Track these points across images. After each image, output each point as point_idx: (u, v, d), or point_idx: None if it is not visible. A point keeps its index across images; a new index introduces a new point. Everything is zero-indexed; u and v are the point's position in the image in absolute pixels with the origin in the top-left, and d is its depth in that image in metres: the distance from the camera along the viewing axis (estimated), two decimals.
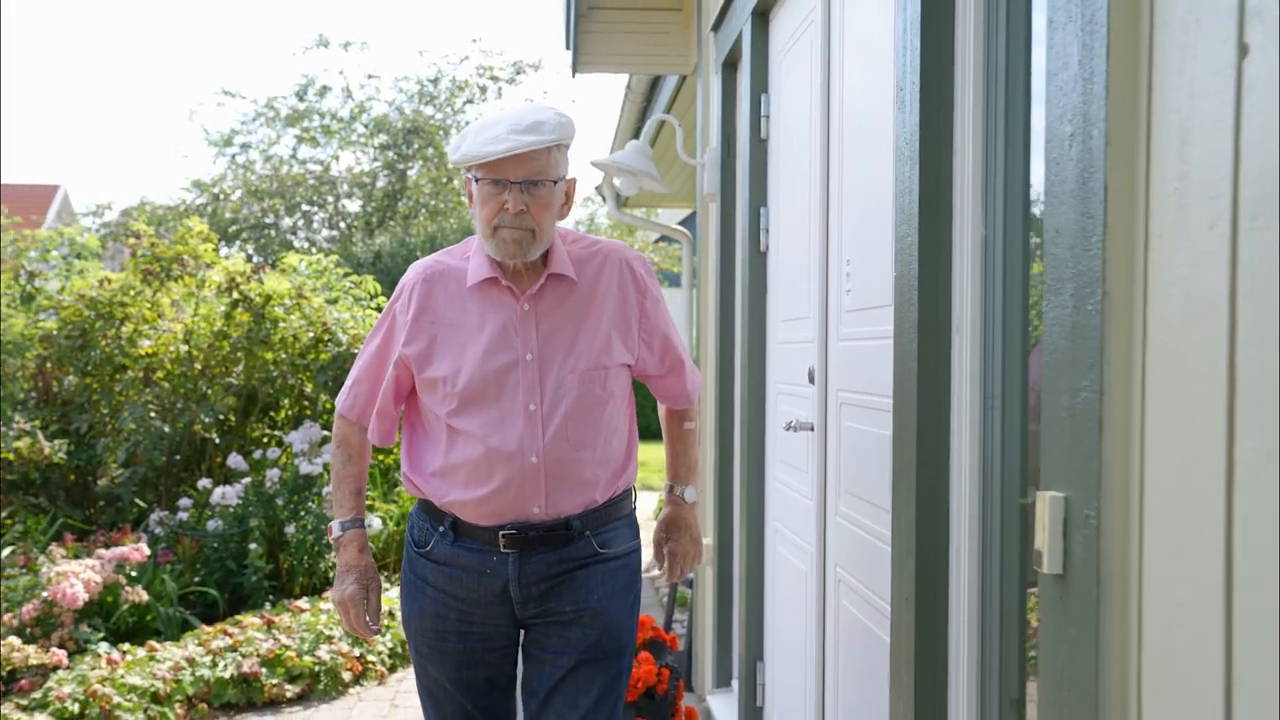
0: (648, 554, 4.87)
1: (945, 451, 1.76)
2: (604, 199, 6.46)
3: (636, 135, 6.62)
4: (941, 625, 1.78)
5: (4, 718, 3.99)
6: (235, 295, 6.55)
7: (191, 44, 61.48)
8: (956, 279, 1.75)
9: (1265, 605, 0.95)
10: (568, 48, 5.27)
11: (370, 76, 16.21)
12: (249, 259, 9.47)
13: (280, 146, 16.25)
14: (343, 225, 16.19)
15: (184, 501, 6.15)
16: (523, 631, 2.25)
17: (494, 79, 15.82)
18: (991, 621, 1.71)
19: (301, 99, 15.92)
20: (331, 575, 5.88)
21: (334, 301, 7.26)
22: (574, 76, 5.46)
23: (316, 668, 4.82)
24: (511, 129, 2.02)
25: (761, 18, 3.35)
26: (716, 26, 3.97)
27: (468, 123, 16.26)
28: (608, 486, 2.20)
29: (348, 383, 2.34)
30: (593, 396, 2.14)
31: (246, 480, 6.07)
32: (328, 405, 6.79)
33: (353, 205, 15.97)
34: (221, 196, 15.68)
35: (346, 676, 4.88)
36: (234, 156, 16.67)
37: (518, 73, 15.65)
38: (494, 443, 2.10)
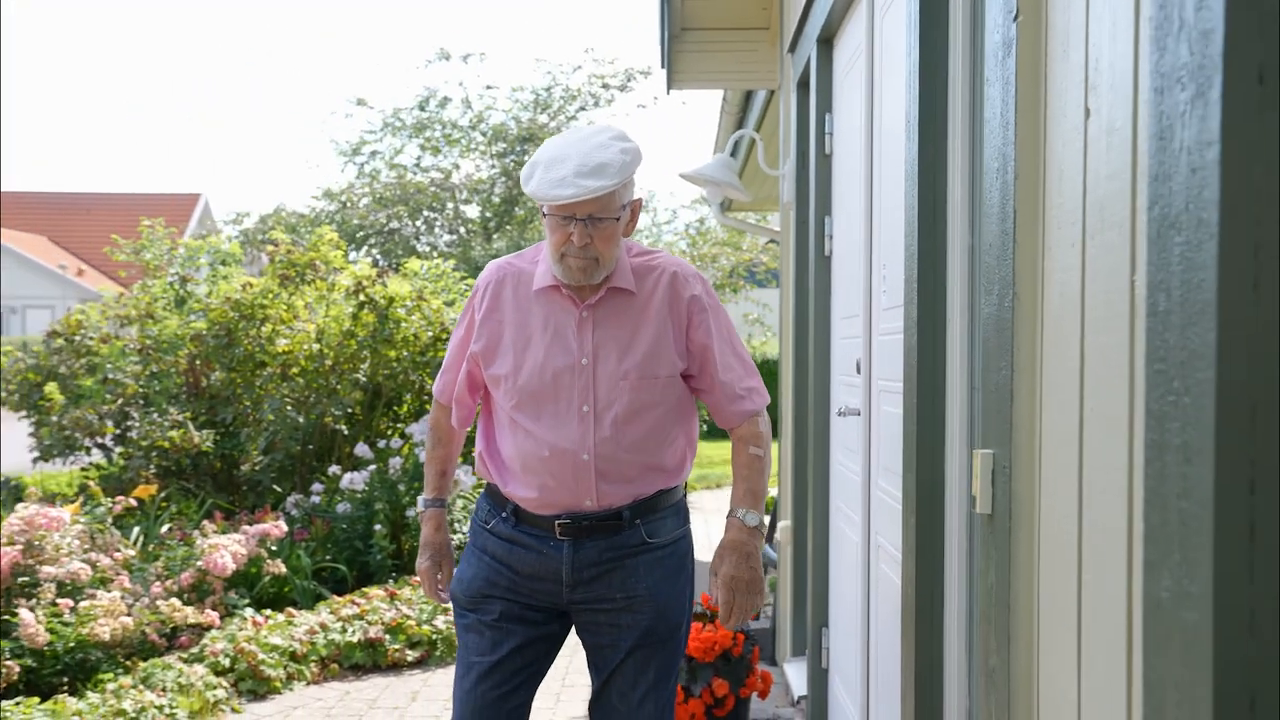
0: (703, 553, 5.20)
1: (940, 423, 2.10)
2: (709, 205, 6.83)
3: (741, 118, 7.00)
4: (939, 569, 2.12)
5: (169, 666, 4.58)
6: (362, 298, 7.14)
7: (324, 58, 63.87)
8: (950, 281, 2.09)
9: (1108, 525, 1.29)
10: (663, 66, 5.67)
11: (489, 87, 16.86)
12: (374, 264, 10.12)
13: (404, 155, 17.13)
14: (462, 230, 16.96)
15: (316, 486, 6.76)
16: (573, 618, 2.38)
17: (605, 86, 16.39)
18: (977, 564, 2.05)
19: (424, 109, 16.73)
20: None
21: (451, 303, 7.81)
22: (668, 93, 5.86)
23: (434, 636, 5.33)
24: (577, 172, 2.11)
25: (826, 44, 3.70)
26: (792, 49, 4.32)
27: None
28: (657, 482, 2.32)
29: (441, 369, 2.51)
30: (642, 402, 2.26)
31: (372, 468, 6.62)
32: None
33: (471, 211, 16.72)
34: (349, 204, 16.58)
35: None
36: (361, 165, 17.61)
37: (628, 80, 16.18)
38: (549, 439, 2.24)
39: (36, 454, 7.61)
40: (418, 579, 2.69)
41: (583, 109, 16.47)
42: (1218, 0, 0.89)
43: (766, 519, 5.36)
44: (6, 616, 4.58)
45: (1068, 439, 1.37)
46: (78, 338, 7.88)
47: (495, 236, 16.08)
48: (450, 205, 16.69)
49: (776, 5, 5.00)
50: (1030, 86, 1.49)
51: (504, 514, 2.34)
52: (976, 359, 1.98)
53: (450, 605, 2.40)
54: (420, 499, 2.52)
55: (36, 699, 4.19)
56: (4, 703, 4.12)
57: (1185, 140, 0.94)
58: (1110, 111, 1.23)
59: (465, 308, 2.42)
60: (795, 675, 4.20)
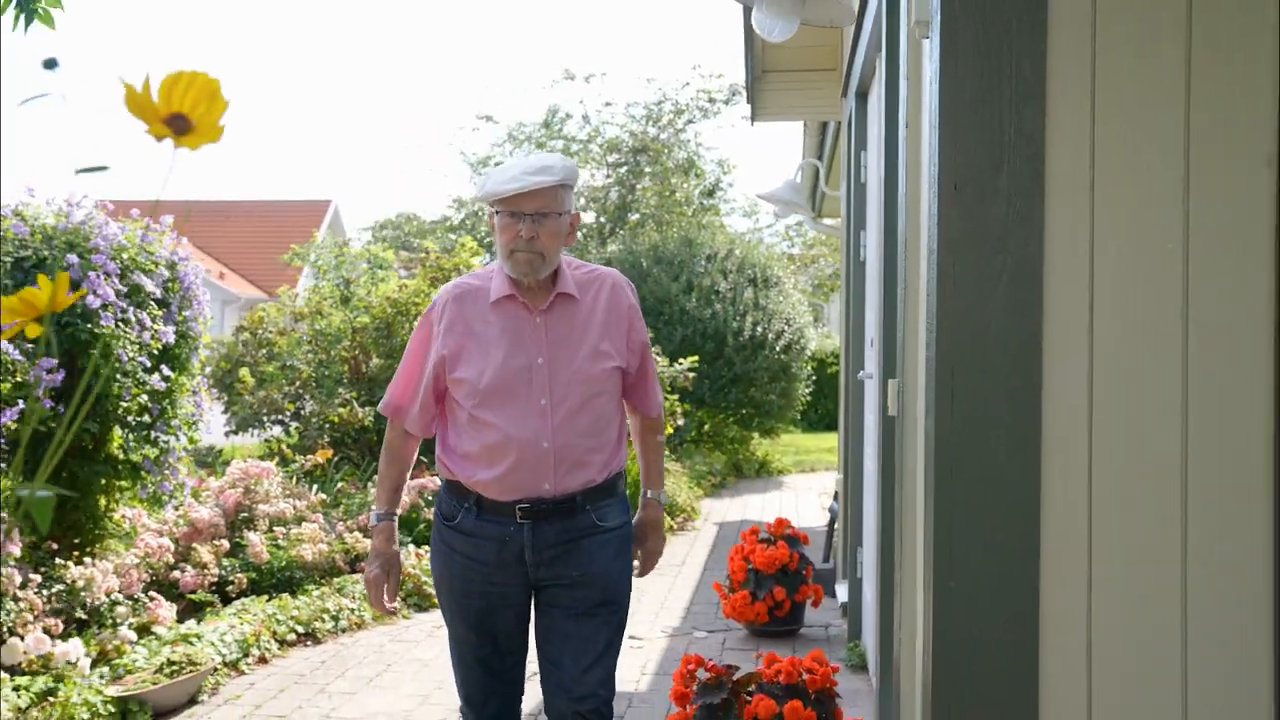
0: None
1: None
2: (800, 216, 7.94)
3: (819, 156, 8.07)
4: (891, 452, 3.21)
5: (355, 582, 5.90)
6: None
7: (451, 73, 66.70)
8: (893, 278, 3.19)
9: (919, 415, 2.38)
10: (748, 101, 6.79)
11: (606, 104, 18.15)
12: None
13: None
14: (580, 235, 18.25)
15: None
16: (535, 594, 2.61)
17: (711, 100, 17.51)
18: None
19: (548, 125, 18.12)
20: None
21: None
22: (752, 125, 6.97)
23: None
24: (524, 171, 2.41)
25: (861, 96, 4.78)
26: (844, 94, 5.41)
27: (688, 140, 18.00)
28: (603, 468, 2.56)
29: (389, 388, 2.68)
30: (591, 393, 2.52)
31: None
32: None
33: (588, 217, 18.01)
34: (480, 212, 18.03)
35: None
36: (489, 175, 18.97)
37: (733, 94, 17.25)
38: (512, 431, 2.47)
39: (230, 428, 9.11)
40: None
41: (690, 121, 17.64)
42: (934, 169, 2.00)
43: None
44: (238, 540, 5.97)
45: (923, 369, 2.47)
46: (260, 331, 9.36)
47: (610, 240, 17.40)
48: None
49: (839, 53, 6.08)
50: (913, 170, 2.59)
51: (466, 505, 2.54)
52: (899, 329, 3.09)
53: (381, 613, 2.66)
54: (373, 513, 2.67)
55: (264, 599, 5.54)
56: (239, 601, 5.46)
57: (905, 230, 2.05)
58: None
59: (421, 324, 2.64)
60: (842, 591, 5.31)
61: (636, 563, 2.72)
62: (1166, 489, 1.96)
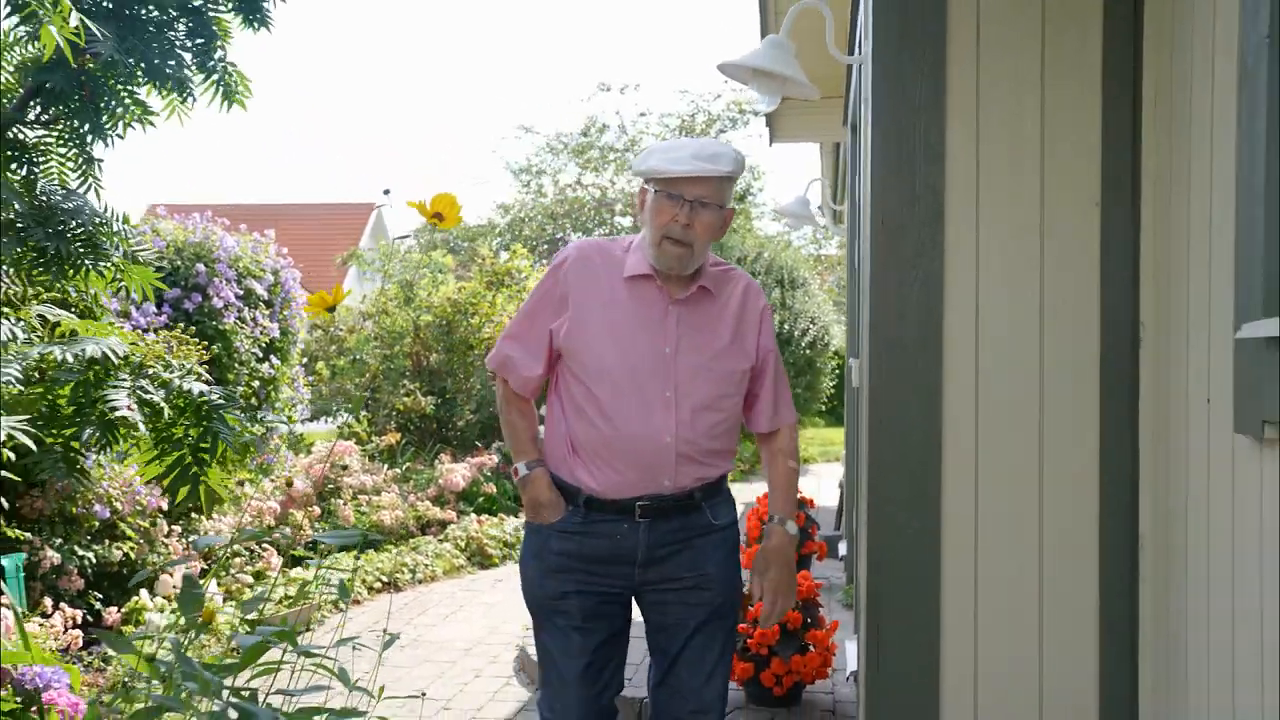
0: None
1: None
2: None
3: (835, 172, 8.97)
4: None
5: (428, 543, 6.88)
6: None
7: (493, 83, 68.13)
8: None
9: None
10: (767, 126, 7.70)
11: (641, 114, 19.12)
12: None
13: (565, 174, 19.55)
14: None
15: None
16: (638, 598, 2.44)
17: (741, 112, 18.43)
18: None
19: (586, 135, 19.12)
20: None
21: None
22: (770, 146, 7.87)
23: None
24: (695, 155, 2.27)
25: (854, 129, 5.69)
26: (844, 123, 6.31)
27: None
28: (720, 466, 2.44)
29: (499, 341, 2.51)
30: (717, 392, 2.38)
31: None
32: None
33: (625, 221, 18.98)
34: (525, 218, 19.07)
35: None
36: (528, 182, 20.10)
37: (756, 113, 18.12)
38: (634, 421, 2.31)
39: (306, 416, 10.15)
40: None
41: (722, 131, 18.54)
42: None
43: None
44: (326, 507, 6.97)
45: (867, 351, 3.37)
46: (331, 329, 10.38)
47: None
48: (608, 217, 19.08)
49: (844, 86, 6.98)
50: (864, 205, 3.50)
51: (573, 507, 2.38)
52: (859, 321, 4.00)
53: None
54: (520, 465, 2.47)
55: (351, 554, 6.53)
56: (330, 557, 6.45)
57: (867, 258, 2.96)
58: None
59: (545, 279, 2.45)
60: (843, 548, 6.23)
61: (752, 588, 2.48)
62: (1029, 428, 2.84)
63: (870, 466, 2.89)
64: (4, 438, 1.90)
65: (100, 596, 5.01)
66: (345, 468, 7.35)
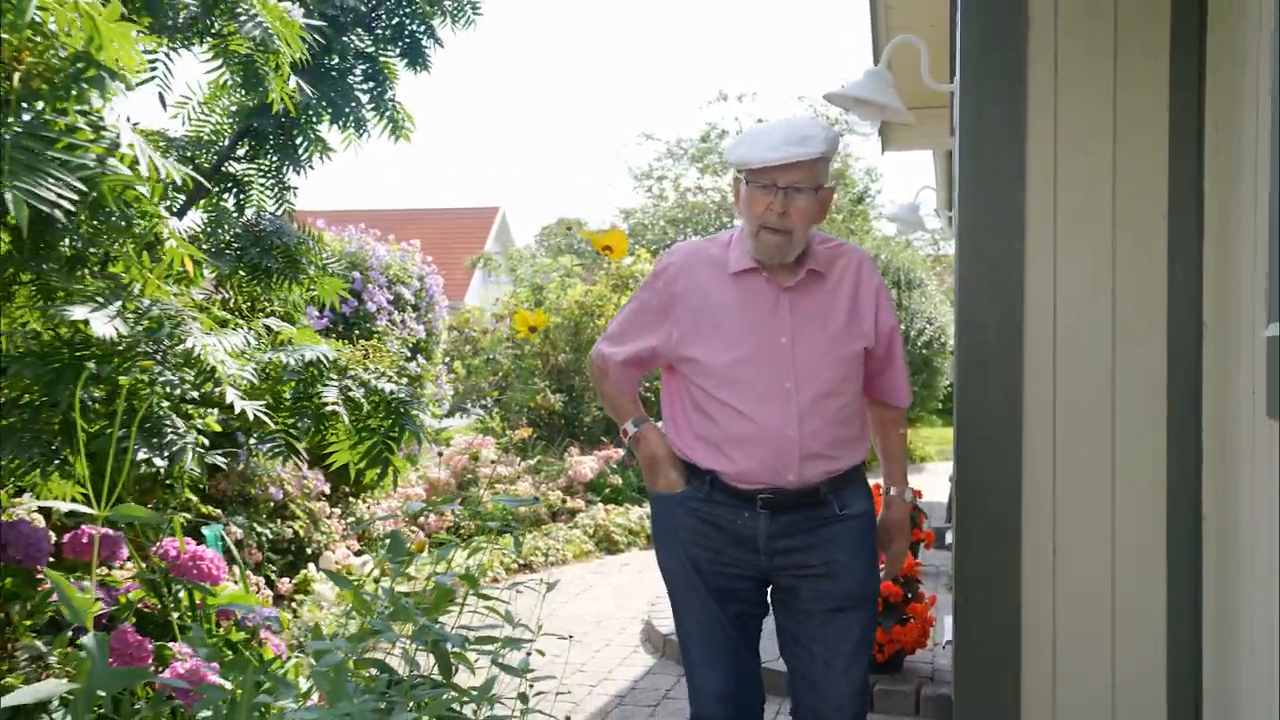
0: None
1: None
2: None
3: (949, 165, 9.25)
4: None
5: (559, 528, 7.43)
6: None
7: (615, 91, 69.35)
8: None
9: None
10: (879, 135, 8.03)
11: (758, 121, 19.52)
12: None
13: (686, 179, 20.04)
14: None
15: None
16: (772, 588, 2.42)
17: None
18: None
19: (705, 141, 19.59)
20: None
21: None
22: (882, 154, 8.20)
23: None
24: (785, 139, 2.19)
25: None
26: (951, 133, 6.61)
27: (846, 153, 19.18)
28: (849, 457, 2.36)
29: (600, 341, 2.50)
30: (839, 377, 2.30)
31: None
32: None
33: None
34: (648, 224, 19.65)
35: None
36: (650, 187, 20.68)
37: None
38: (754, 416, 2.26)
39: (443, 413, 10.84)
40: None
41: (839, 135, 18.79)
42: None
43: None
44: (466, 495, 7.57)
45: (957, 348, 3.73)
46: (465, 330, 11.05)
47: None
48: (727, 220, 19.52)
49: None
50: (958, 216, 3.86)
51: (699, 484, 2.35)
52: None
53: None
54: (628, 425, 2.46)
55: (489, 537, 7.10)
56: (471, 540, 7.03)
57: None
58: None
59: (646, 286, 2.43)
60: (949, 537, 6.55)
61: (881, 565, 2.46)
62: (1103, 419, 3.16)
63: (958, 457, 3.25)
64: (252, 418, 2.44)
65: (274, 568, 5.66)
66: (476, 458, 7.95)
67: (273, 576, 5.59)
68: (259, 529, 5.57)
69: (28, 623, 2.36)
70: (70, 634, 2.40)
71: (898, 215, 6.88)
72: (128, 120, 1.80)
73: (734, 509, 2.33)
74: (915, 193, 7.13)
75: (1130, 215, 3.20)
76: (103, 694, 1.85)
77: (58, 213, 1.68)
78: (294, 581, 5.59)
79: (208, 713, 2.10)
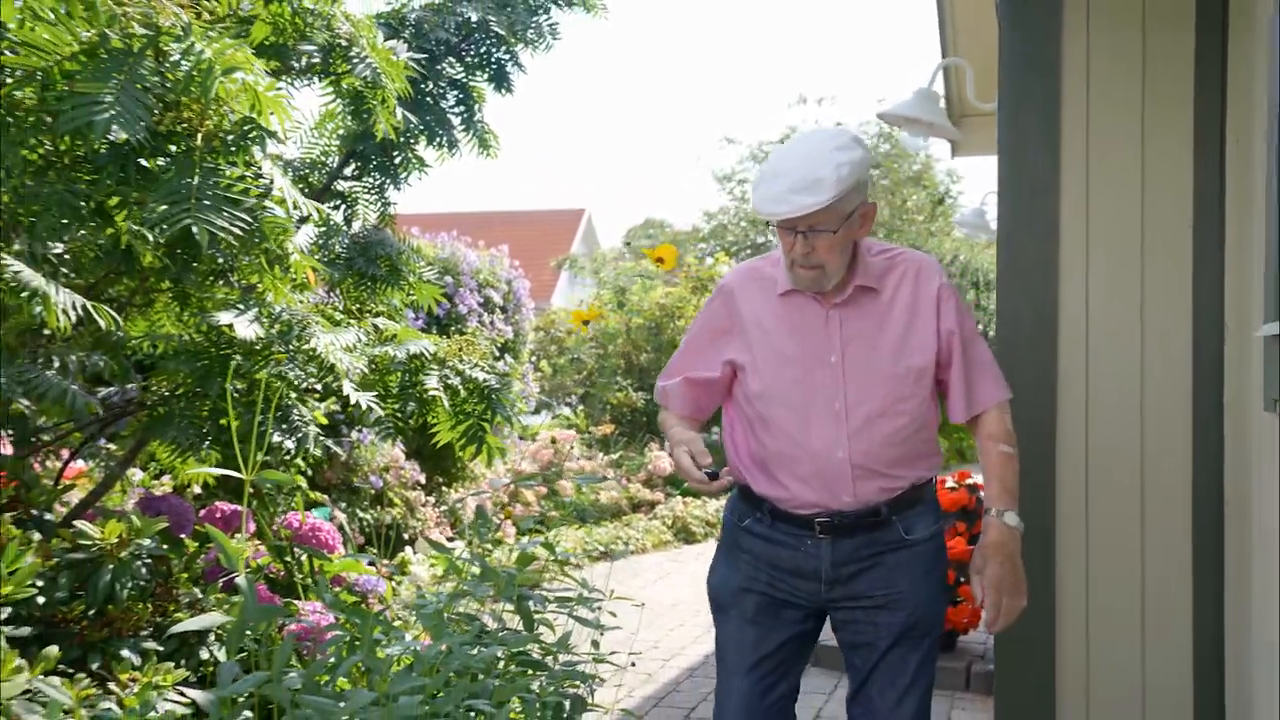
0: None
1: None
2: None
3: None
4: None
5: (640, 520, 7.81)
6: None
7: (697, 96, 69.77)
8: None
9: None
10: (949, 141, 8.25)
11: (837, 124, 19.71)
12: None
13: None
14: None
15: (715, 428, 9.90)
16: (829, 616, 2.33)
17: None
18: None
19: (783, 144, 19.83)
20: None
21: None
22: (952, 158, 8.41)
23: None
24: (792, 188, 2.07)
25: None
26: None
27: (918, 154, 19.27)
28: (912, 475, 2.25)
29: (667, 371, 2.40)
30: (894, 396, 2.20)
31: None
32: None
33: None
34: (729, 225, 19.96)
35: None
36: (731, 190, 20.97)
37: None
38: (802, 438, 2.20)
39: (532, 409, 11.31)
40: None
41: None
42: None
43: None
44: (551, 487, 8.01)
45: (997, 345, 4.01)
46: (551, 330, 11.51)
47: None
48: None
49: None
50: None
51: (759, 514, 2.30)
52: None
53: (706, 485, 2.15)
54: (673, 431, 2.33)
55: (574, 527, 7.52)
56: (555, 529, 7.46)
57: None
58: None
59: (708, 305, 2.40)
60: None
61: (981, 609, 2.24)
62: (1131, 413, 3.41)
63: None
64: (365, 407, 2.85)
65: (374, 551, 6.13)
66: (554, 441, 8.36)
67: (373, 559, 6.06)
68: (361, 514, 6.04)
69: (184, 575, 2.81)
70: (220, 585, 2.84)
71: (964, 220, 7.11)
72: (278, 162, 2.21)
73: (795, 538, 2.26)
74: (981, 197, 7.34)
75: (1157, 224, 3.43)
76: (249, 632, 2.25)
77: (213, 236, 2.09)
78: (393, 563, 6.05)
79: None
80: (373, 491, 6.17)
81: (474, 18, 4.34)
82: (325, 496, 5.82)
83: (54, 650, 2.16)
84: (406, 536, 6.24)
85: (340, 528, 5.57)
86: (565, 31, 4.72)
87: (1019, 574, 2.22)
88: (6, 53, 1.94)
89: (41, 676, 2.10)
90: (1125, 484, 3.36)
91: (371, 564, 5.99)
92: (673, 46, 75.18)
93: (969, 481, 6.68)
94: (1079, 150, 3.53)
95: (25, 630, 2.27)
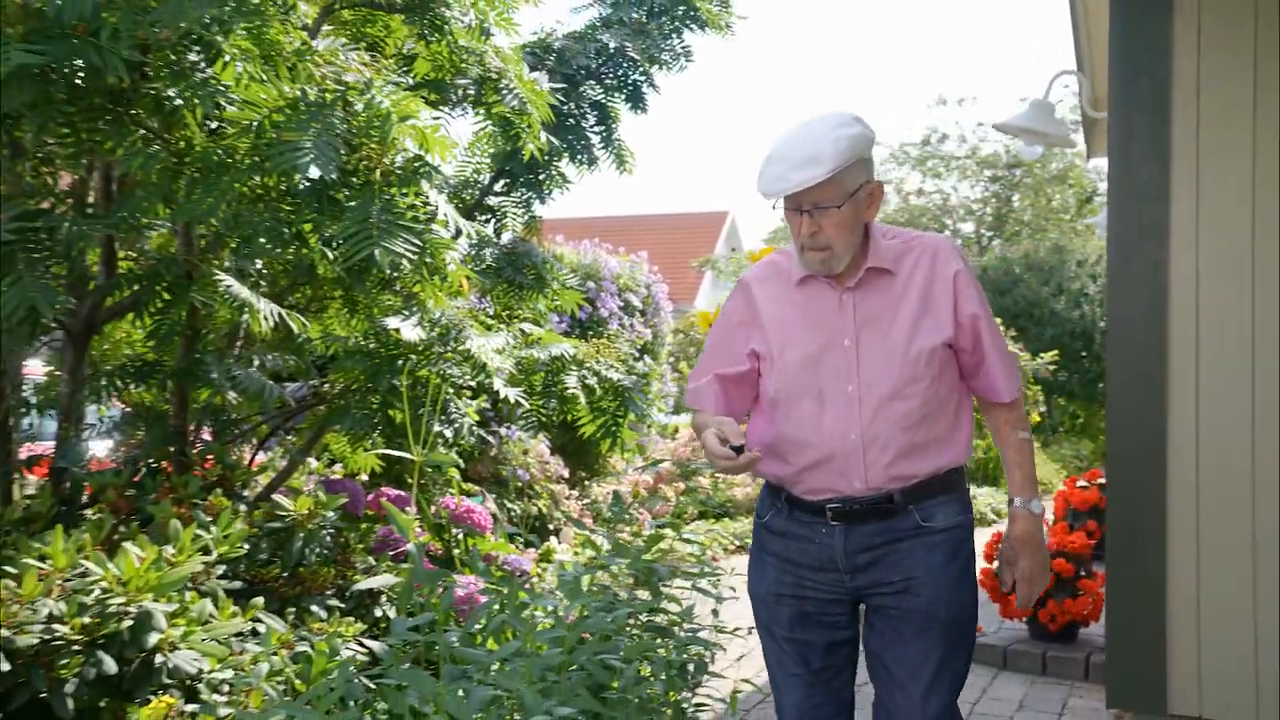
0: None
1: None
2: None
3: None
4: None
5: None
6: None
7: (838, 97, 69.36)
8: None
9: None
10: (1085, 142, 8.27)
11: (979, 124, 19.51)
12: None
13: (908, 183, 20.19)
14: (959, 244, 19.59)
15: None
16: (863, 606, 2.31)
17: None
18: None
19: (926, 145, 19.75)
20: None
21: None
22: (1087, 161, 8.40)
23: None
24: (793, 165, 2.10)
25: None
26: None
27: (1063, 152, 18.90)
28: (929, 463, 2.23)
29: (695, 369, 2.41)
30: (909, 378, 2.19)
31: None
32: None
33: (966, 227, 19.42)
34: None
35: None
36: None
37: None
38: (815, 422, 2.20)
39: (671, 408, 11.68)
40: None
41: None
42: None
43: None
44: (690, 484, 8.33)
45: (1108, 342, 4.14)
46: (690, 333, 11.85)
47: (987, 250, 18.73)
48: (948, 223, 19.55)
49: None
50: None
51: (778, 503, 2.30)
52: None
53: (734, 460, 2.12)
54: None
55: (711, 521, 7.83)
56: (693, 524, 7.78)
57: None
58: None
59: (729, 300, 2.41)
60: None
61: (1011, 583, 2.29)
62: (1242, 416, 3.52)
63: (1111, 448, 3.67)
64: (513, 402, 3.23)
65: (521, 540, 6.56)
66: (694, 447, 8.68)
67: (520, 547, 6.49)
68: (509, 505, 6.48)
69: (359, 546, 3.24)
70: (390, 556, 3.27)
71: (1096, 222, 7.13)
72: (440, 189, 2.60)
73: (811, 527, 2.24)
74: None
75: (1268, 226, 3.54)
76: (415, 596, 2.64)
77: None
78: (539, 552, 6.48)
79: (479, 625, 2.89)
80: (519, 484, 6.61)
81: (612, 45, 4.71)
82: (477, 488, 6.29)
83: (260, 601, 2.60)
84: (551, 528, 6.64)
85: (494, 514, 6.02)
86: (707, 37, 5.10)
87: (1045, 561, 2.30)
88: (228, 108, 2.39)
89: (253, 620, 2.54)
90: (1235, 477, 3.46)
91: (518, 544, 6.44)
92: (814, 48, 74.75)
93: (1100, 481, 6.73)
94: (1188, 154, 3.66)
95: (236, 584, 2.71)
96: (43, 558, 2.37)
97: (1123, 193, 3.74)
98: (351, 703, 2.26)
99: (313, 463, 4.34)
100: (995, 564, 2.41)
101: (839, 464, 2.18)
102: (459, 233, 2.80)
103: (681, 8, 4.84)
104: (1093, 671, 4.56)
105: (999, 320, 11.11)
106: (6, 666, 2.11)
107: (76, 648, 2.26)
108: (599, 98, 4.86)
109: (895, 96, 63.20)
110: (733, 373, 2.31)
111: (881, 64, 68.40)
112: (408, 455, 2.67)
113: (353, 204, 2.37)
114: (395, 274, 3.16)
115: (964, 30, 59.01)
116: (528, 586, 3.88)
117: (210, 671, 2.39)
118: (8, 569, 2.33)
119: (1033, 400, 11.17)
